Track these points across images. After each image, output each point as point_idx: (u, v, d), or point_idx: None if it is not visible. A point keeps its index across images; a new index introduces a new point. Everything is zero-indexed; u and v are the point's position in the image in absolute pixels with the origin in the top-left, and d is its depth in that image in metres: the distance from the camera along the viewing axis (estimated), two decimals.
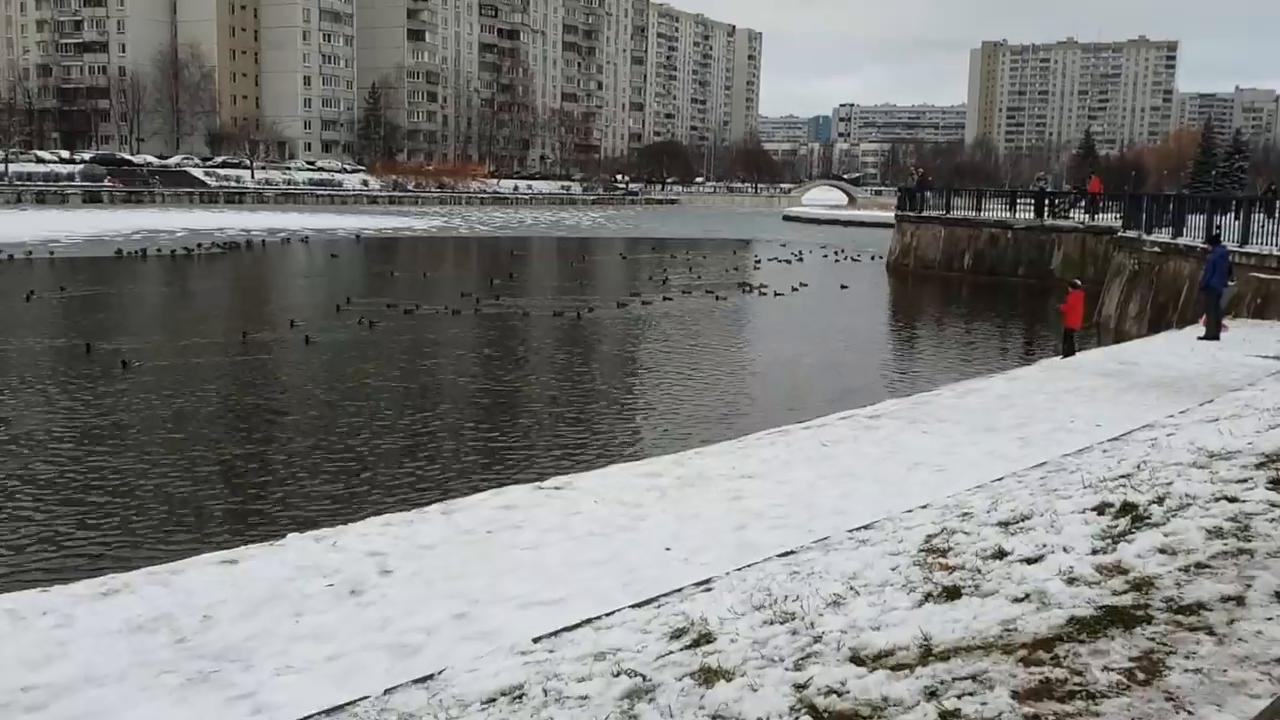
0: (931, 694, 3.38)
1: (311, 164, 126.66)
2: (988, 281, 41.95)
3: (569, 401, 18.19)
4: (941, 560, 5.10)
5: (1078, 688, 3.22)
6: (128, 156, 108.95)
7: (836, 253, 58.28)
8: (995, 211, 46.14)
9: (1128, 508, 5.47)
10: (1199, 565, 4.18)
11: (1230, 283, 20.45)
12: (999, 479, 8.69)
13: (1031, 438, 12.12)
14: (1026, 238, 43.05)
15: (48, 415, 15.74)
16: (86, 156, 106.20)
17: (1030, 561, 4.71)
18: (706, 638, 4.55)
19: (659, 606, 5.54)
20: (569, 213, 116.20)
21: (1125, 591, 3.98)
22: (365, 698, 4.96)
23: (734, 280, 40.83)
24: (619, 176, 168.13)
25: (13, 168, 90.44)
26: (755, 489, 9.75)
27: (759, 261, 53.55)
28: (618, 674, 4.31)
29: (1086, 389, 15.74)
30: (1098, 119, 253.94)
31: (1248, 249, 22.90)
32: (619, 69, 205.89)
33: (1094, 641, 3.49)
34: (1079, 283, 21.50)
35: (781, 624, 4.52)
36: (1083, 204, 45.88)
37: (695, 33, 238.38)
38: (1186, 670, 3.26)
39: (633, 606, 5.69)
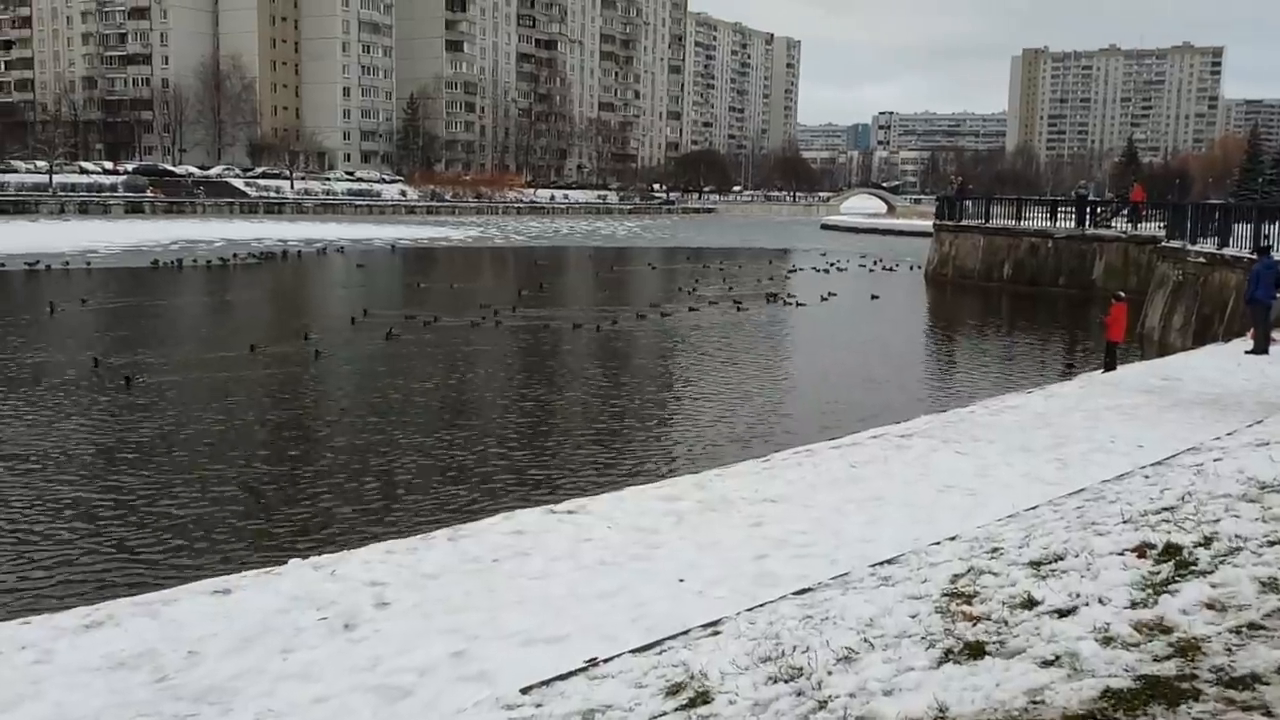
0: None
1: (350, 174, 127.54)
2: (1027, 292, 41.20)
3: (586, 418, 17.71)
4: (966, 608, 4.68)
5: None
6: (170, 167, 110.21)
7: (875, 262, 57.62)
8: (1036, 220, 45.31)
9: (1171, 550, 5.02)
10: (1252, 626, 3.74)
11: (1278, 295, 19.76)
12: (1033, 507, 8.22)
13: (1069, 459, 11.63)
14: (1067, 247, 42.26)
15: (41, 433, 15.30)
16: (129, 167, 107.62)
17: (1062, 614, 4.28)
18: (704, 697, 4.16)
19: (660, 653, 5.15)
20: (605, 222, 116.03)
21: (1168, 657, 3.54)
22: None
23: (764, 290, 40.24)
24: (656, 186, 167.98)
25: (57, 178, 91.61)
26: (778, 514, 9.34)
27: (793, 270, 53.04)
28: None
29: (1128, 406, 15.19)
30: (1140, 126, 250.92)
31: None
32: (656, 78, 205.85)
33: None
34: (1122, 295, 20.86)
35: (787, 682, 4.13)
36: (1125, 213, 44.98)
37: (733, 41, 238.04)
38: None
39: (633, 652, 5.31)
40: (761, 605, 6.04)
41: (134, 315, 29.59)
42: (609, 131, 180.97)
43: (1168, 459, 9.76)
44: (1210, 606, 4.01)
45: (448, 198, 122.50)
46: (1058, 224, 44.14)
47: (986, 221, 46.57)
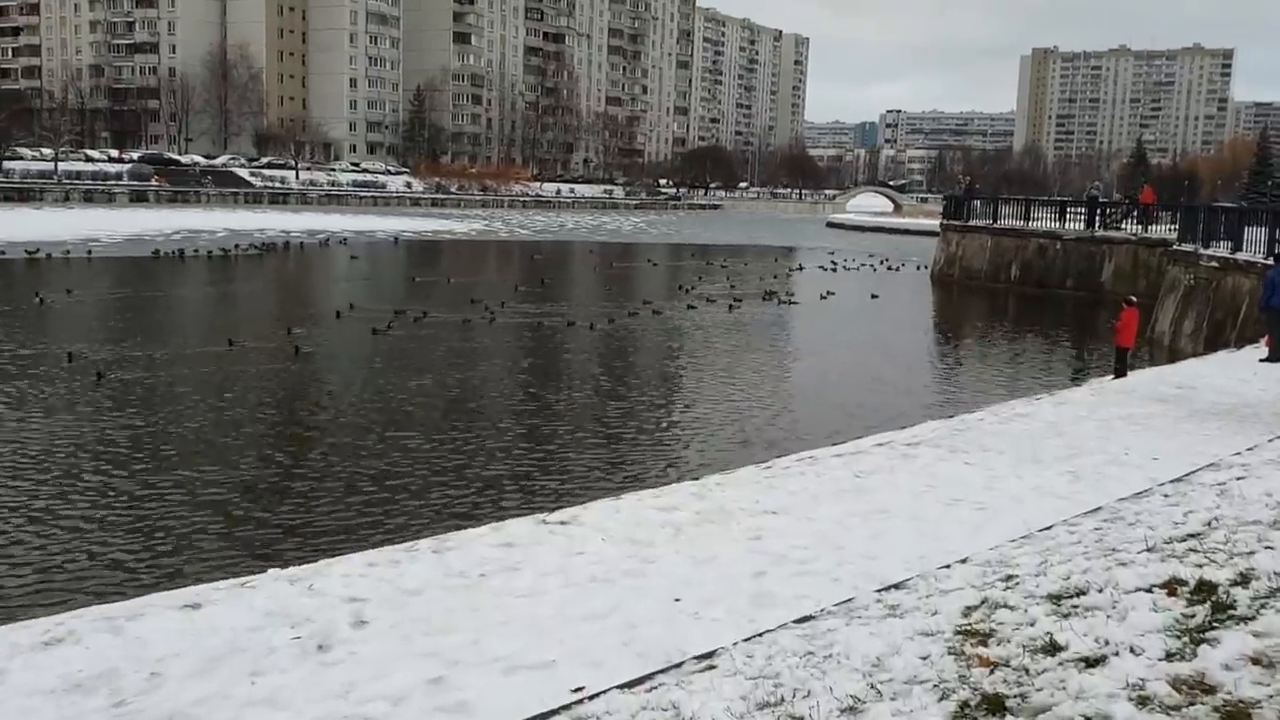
0: None
1: (356, 165, 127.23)
2: (1035, 294, 40.75)
3: (580, 420, 17.08)
4: (982, 651, 4.29)
5: None
6: (175, 156, 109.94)
7: (880, 261, 57.17)
8: (1044, 221, 44.86)
9: (1205, 588, 4.63)
10: None
11: None
12: (1048, 527, 7.84)
13: (1082, 471, 11.23)
14: (1076, 249, 41.79)
15: (5, 431, 14.76)
16: (135, 156, 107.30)
17: (1090, 664, 3.89)
18: None
19: (650, 690, 4.77)
20: (610, 217, 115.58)
21: None
22: None
23: (766, 289, 39.70)
24: (662, 181, 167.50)
25: (62, 166, 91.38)
26: (779, 527, 8.95)
27: (795, 269, 52.58)
28: None
29: (1140, 416, 14.78)
30: (1150, 127, 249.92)
31: None
32: (664, 73, 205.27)
33: None
34: (1133, 300, 20.44)
35: None
36: (1135, 215, 44.50)
37: (741, 37, 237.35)
38: None
39: (622, 688, 4.94)
40: (760, 635, 5.66)
41: (121, 307, 29.03)
42: (616, 126, 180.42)
43: (1187, 475, 9.38)
44: (1256, 662, 3.62)
45: (453, 190, 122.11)
46: (1067, 225, 43.68)
47: (994, 222, 46.12)
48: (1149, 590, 4.78)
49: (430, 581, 7.48)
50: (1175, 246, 32.28)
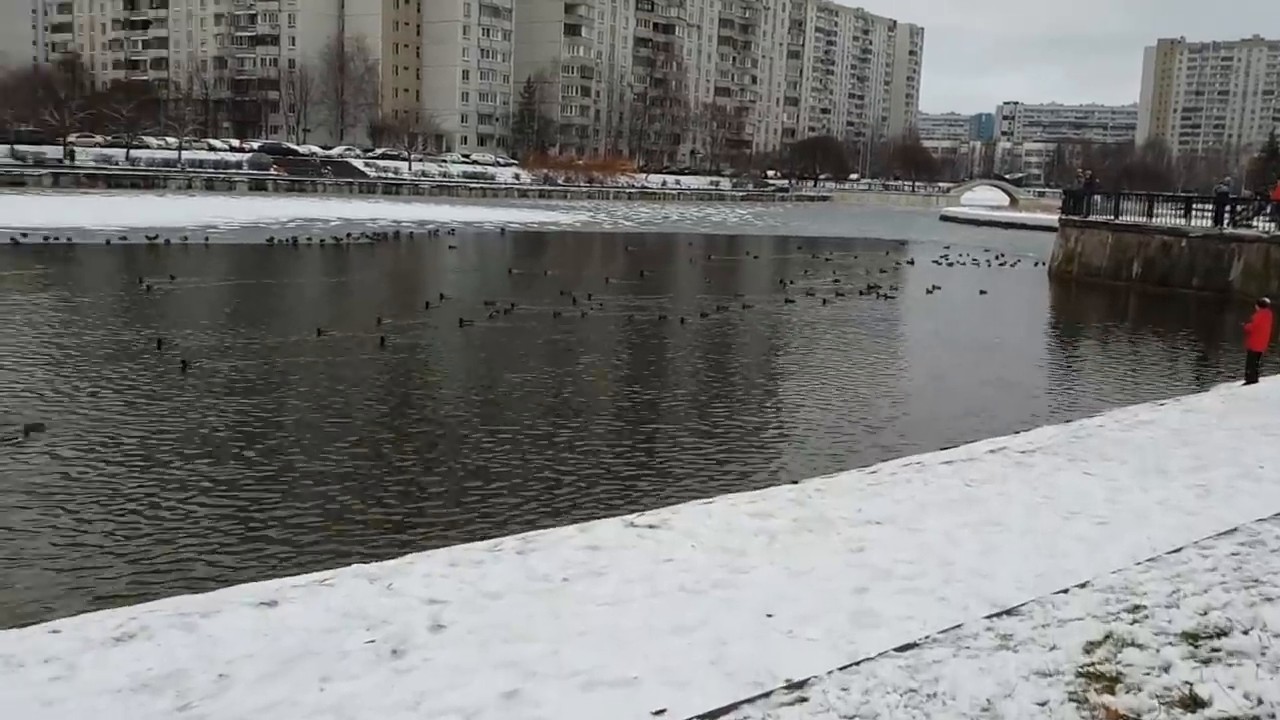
0: None
1: (466, 157, 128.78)
2: (1158, 293, 38.94)
3: (669, 418, 16.44)
4: (1109, 700, 3.80)
5: None
6: (294, 146, 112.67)
7: (996, 257, 55.46)
8: (1168, 217, 42.85)
9: None
10: None
11: None
12: (1177, 549, 7.20)
13: (1212, 485, 10.46)
14: (1202, 246, 39.80)
15: (88, 419, 14.56)
16: (255, 146, 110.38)
17: None
18: None
19: None
20: (716, 208, 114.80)
21: None
22: None
23: (868, 282, 38.64)
24: (770, 172, 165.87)
25: (186, 155, 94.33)
26: (883, 538, 8.45)
27: (906, 263, 51.31)
28: None
29: (1275, 425, 13.83)
30: None
31: None
32: (774, 63, 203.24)
33: None
34: (1267, 301, 19.20)
35: None
36: (1267, 211, 42.19)
37: (855, 27, 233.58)
38: None
39: (703, 718, 4.54)
40: (858, 664, 5.22)
41: (222, 294, 29.27)
42: (724, 117, 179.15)
43: None
44: None
45: (560, 182, 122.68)
46: (1192, 222, 41.66)
47: (1115, 217, 44.24)
48: None
49: (512, 584, 7.20)
50: None
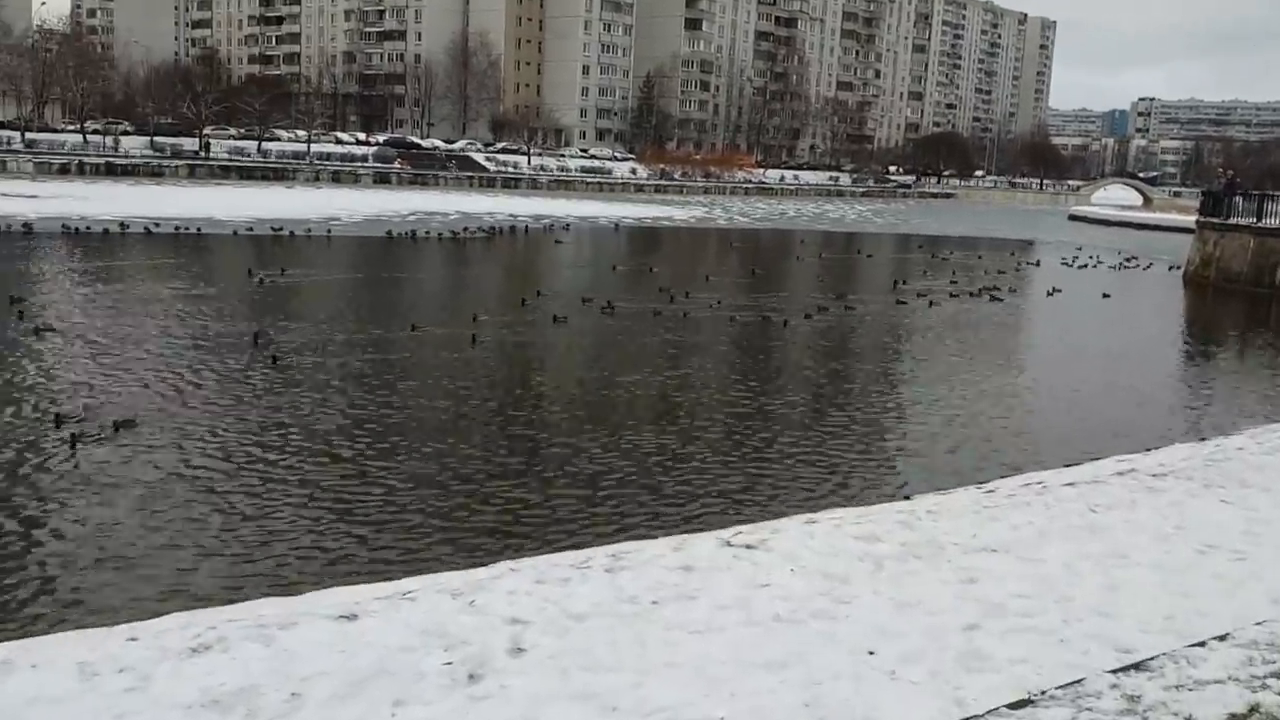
0: None
1: (584, 151, 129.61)
2: None
3: (768, 425, 15.68)
4: None
5: None
6: (417, 140, 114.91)
7: (1128, 259, 53.17)
8: None
9: None
10: None
11: None
12: None
13: None
14: None
15: (178, 414, 14.36)
16: (380, 139, 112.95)
17: None
18: None
19: None
20: (835, 205, 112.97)
21: None
22: None
23: (983, 283, 37.19)
24: (891, 168, 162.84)
25: (314, 148, 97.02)
26: (997, 568, 7.88)
27: (1032, 264, 49.49)
28: None
29: None
30: None
31: None
32: (899, 57, 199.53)
33: None
34: None
35: None
36: None
37: (983, 20, 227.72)
38: None
39: None
40: None
41: (329, 288, 28.90)
42: (845, 112, 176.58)
43: None
44: None
45: (676, 176, 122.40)
46: None
47: (1259, 220, 41.87)
48: None
49: (598, 605, 6.88)
50: None
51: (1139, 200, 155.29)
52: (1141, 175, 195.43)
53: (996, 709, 4.94)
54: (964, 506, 9.72)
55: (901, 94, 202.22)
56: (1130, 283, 42.90)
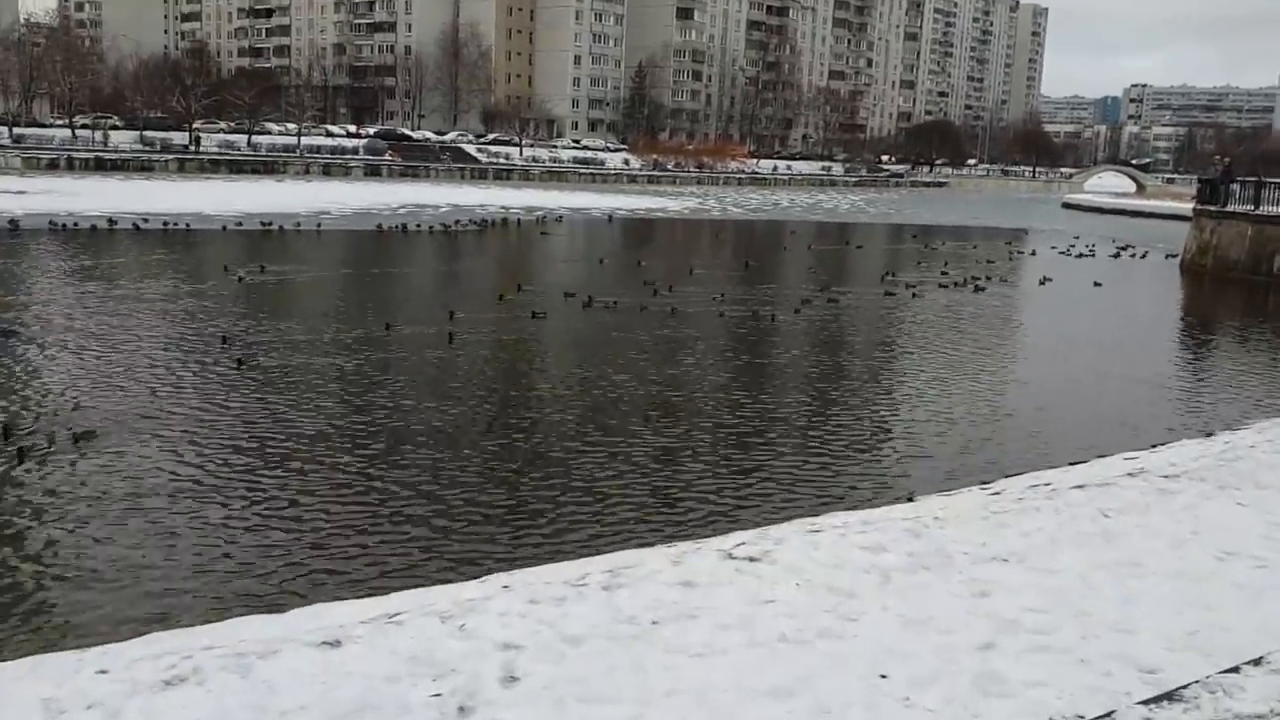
0: None
1: (577, 142, 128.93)
2: None
3: (766, 424, 15.13)
4: None
5: None
6: (408, 132, 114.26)
7: (1123, 248, 52.85)
8: None
9: None
10: None
11: None
12: None
13: None
14: None
15: (143, 422, 13.67)
16: (370, 132, 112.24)
17: None
18: None
19: None
20: (828, 194, 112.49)
21: None
22: None
23: (971, 273, 36.79)
24: (884, 157, 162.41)
25: (304, 141, 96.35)
26: (1010, 580, 7.57)
27: (1028, 254, 49.17)
28: None
29: None
30: None
31: None
32: (891, 46, 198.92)
33: None
34: None
35: None
36: None
37: (975, 8, 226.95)
38: None
39: None
40: None
41: (307, 285, 28.32)
42: (838, 101, 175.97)
43: None
44: None
45: (669, 167, 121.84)
46: None
47: (1256, 208, 41.58)
48: None
49: (595, 627, 6.55)
50: None
51: (1132, 187, 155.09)
52: (1134, 162, 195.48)
53: None
54: (971, 511, 9.40)
55: (894, 82, 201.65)
56: (1126, 272, 42.65)
